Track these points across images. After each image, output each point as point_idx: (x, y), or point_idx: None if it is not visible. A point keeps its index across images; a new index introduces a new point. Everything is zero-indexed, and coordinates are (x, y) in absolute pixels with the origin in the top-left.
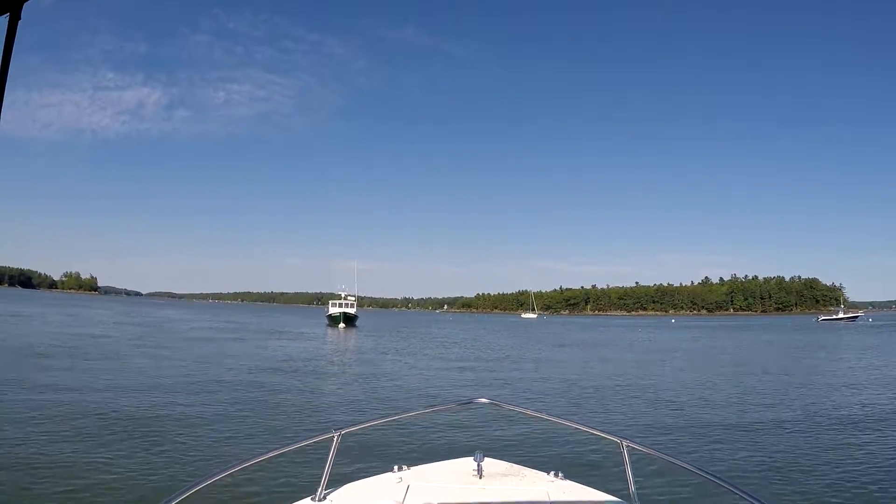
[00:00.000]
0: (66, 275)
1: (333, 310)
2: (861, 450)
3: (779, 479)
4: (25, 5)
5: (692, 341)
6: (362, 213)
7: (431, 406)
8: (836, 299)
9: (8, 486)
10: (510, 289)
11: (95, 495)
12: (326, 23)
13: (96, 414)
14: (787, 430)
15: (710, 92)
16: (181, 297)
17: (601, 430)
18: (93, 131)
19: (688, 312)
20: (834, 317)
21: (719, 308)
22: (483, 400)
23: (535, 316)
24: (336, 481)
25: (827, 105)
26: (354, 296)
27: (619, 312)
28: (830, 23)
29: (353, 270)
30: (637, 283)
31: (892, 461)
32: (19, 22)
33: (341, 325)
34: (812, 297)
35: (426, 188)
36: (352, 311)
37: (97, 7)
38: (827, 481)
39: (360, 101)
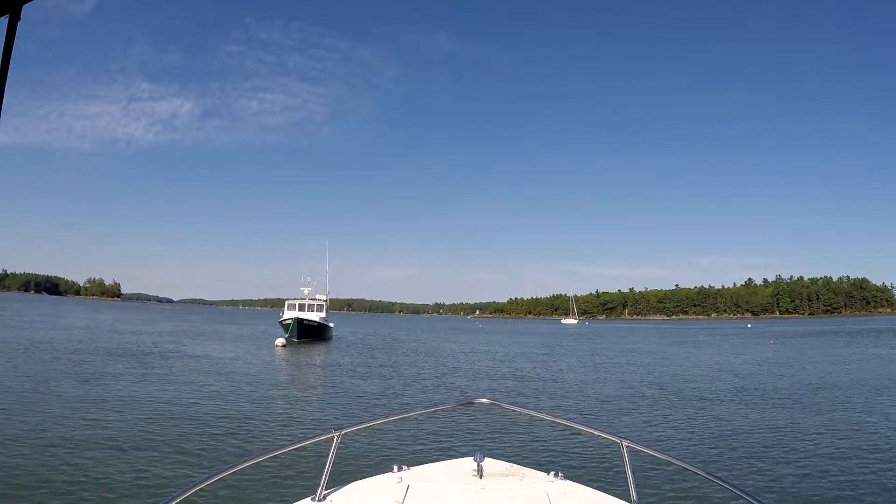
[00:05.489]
0: (89, 281)
1: (288, 314)
2: None
3: None
4: (25, 6)
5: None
6: (393, 220)
7: (431, 406)
8: (888, 300)
9: None
10: (543, 293)
11: None
12: (358, 31)
13: None
14: None
15: (743, 93)
16: (212, 303)
17: (601, 430)
18: (127, 142)
19: (731, 316)
20: None
21: (764, 311)
22: (483, 400)
23: (575, 322)
24: (336, 481)
25: (867, 105)
26: (325, 297)
27: (658, 316)
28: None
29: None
30: (677, 285)
31: None
32: (18, 22)
33: (279, 341)
34: (862, 297)
35: (457, 193)
36: (315, 317)
37: (131, 19)
38: None
39: (392, 108)
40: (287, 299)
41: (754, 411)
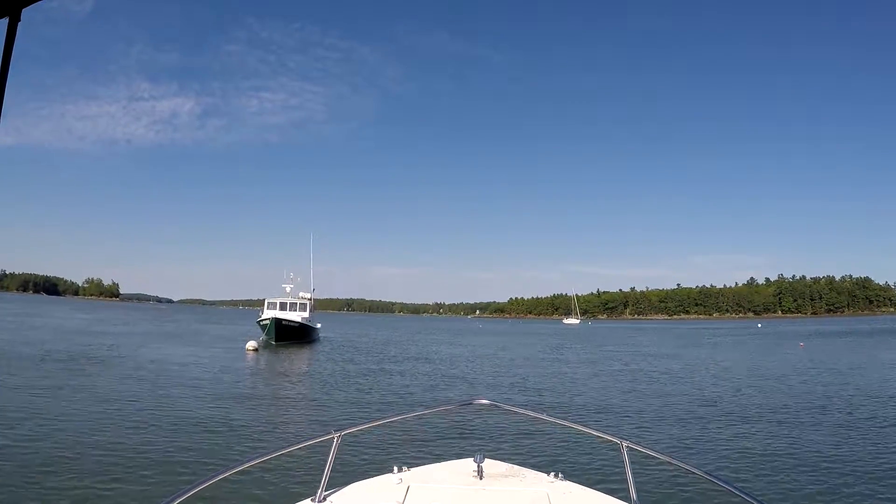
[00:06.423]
0: (87, 281)
1: (268, 313)
2: None
3: None
4: (25, 8)
5: None
6: (394, 219)
7: (432, 407)
8: (890, 300)
9: None
10: (543, 293)
11: None
12: (359, 30)
13: None
14: None
15: (744, 93)
16: (212, 303)
17: (601, 431)
18: (127, 141)
19: (733, 315)
20: None
21: (766, 310)
22: (483, 401)
23: (577, 321)
24: (336, 482)
25: (869, 104)
26: (310, 295)
27: (660, 316)
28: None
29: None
30: (678, 284)
31: None
32: (18, 24)
33: (251, 344)
34: (864, 297)
35: (458, 192)
36: (296, 317)
37: (131, 18)
38: None
39: (392, 108)
40: (268, 298)
41: (857, 434)
